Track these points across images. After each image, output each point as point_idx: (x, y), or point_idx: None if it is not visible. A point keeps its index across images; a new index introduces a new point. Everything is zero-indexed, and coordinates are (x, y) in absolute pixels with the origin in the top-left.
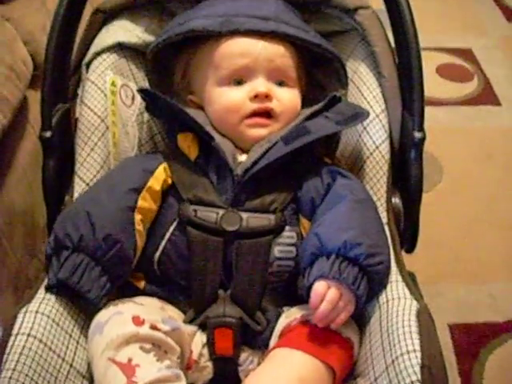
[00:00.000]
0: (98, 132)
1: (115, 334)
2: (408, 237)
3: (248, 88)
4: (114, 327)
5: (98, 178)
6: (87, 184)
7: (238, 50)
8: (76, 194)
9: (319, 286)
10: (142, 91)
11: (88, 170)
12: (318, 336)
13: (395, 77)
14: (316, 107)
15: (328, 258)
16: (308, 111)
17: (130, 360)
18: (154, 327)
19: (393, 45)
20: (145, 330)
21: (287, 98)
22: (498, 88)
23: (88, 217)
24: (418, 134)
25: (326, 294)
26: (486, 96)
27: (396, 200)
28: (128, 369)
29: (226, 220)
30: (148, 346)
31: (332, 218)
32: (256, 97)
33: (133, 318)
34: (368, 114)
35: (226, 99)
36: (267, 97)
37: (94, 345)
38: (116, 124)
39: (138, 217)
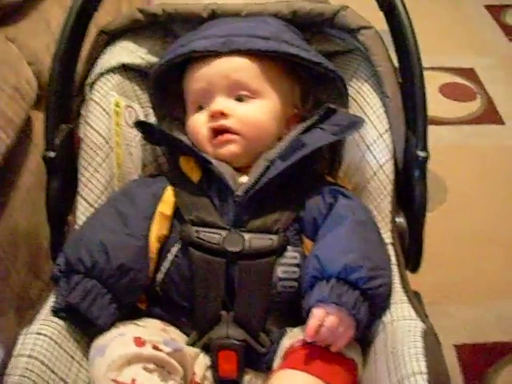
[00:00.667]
0: (102, 153)
1: (117, 355)
2: (412, 256)
3: (207, 111)
4: (115, 348)
5: (102, 200)
6: (91, 205)
7: (195, 76)
8: (79, 214)
9: (317, 312)
10: (137, 124)
11: (92, 190)
12: (322, 357)
13: (399, 96)
14: (311, 120)
15: (328, 281)
16: (303, 125)
17: (133, 380)
18: (156, 348)
19: (396, 64)
20: (147, 350)
21: (245, 112)
22: (500, 107)
23: (102, 245)
24: (421, 153)
25: (324, 320)
26: (489, 115)
27: (400, 219)
28: None
29: (228, 241)
30: (151, 367)
31: (332, 240)
32: (213, 116)
33: (134, 340)
34: (363, 122)
35: (190, 124)
36: (223, 114)
37: (95, 367)
38: (120, 145)
39: (154, 245)
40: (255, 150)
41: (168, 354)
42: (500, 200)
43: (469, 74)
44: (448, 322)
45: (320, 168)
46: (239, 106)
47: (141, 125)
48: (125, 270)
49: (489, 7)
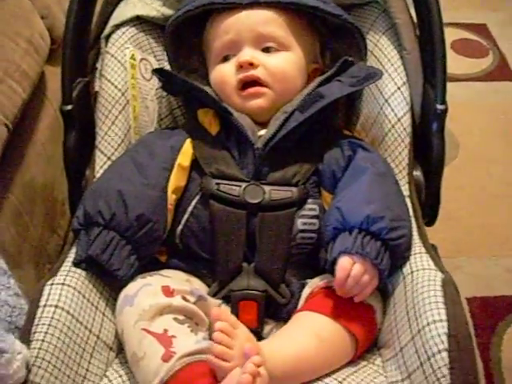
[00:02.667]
0: (118, 105)
1: (147, 305)
2: (429, 210)
3: (234, 60)
4: (145, 298)
5: (119, 152)
6: (108, 158)
7: (222, 27)
8: (97, 168)
9: (344, 261)
10: (156, 71)
11: (109, 143)
12: (340, 302)
13: (417, 49)
14: (328, 73)
15: (350, 232)
16: (321, 78)
17: (165, 331)
18: (184, 298)
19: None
20: (177, 300)
21: (274, 63)
22: None
23: (120, 195)
24: (440, 106)
25: (351, 269)
26: (502, 71)
27: (417, 173)
28: (164, 339)
29: (248, 193)
30: (181, 318)
31: (353, 191)
32: (241, 67)
33: (162, 289)
34: (382, 74)
35: (217, 75)
36: (252, 65)
37: (124, 317)
38: (136, 98)
39: (171, 196)
40: (281, 104)
41: (195, 303)
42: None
43: (481, 29)
44: (459, 276)
45: (337, 121)
46: (267, 57)
47: (159, 73)
48: (143, 221)
49: None
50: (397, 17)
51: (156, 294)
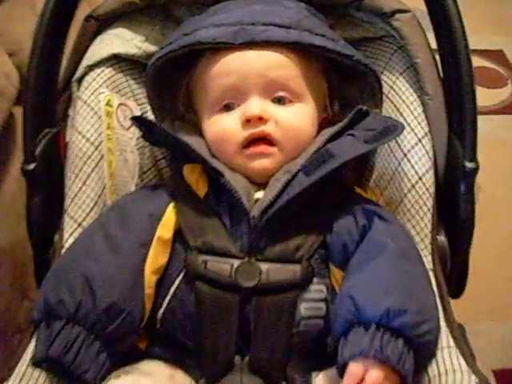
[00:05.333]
0: (91, 162)
1: None
2: (455, 280)
3: (239, 112)
4: None
5: (91, 217)
6: (79, 224)
7: (222, 68)
8: (66, 236)
9: (354, 369)
10: (135, 119)
11: (80, 207)
12: None
13: (440, 94)
14: (340, 125)
15: (366, 328)
16: (331, 131)
17: None
18: None
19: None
20: None
21: (288, 118)
22: None
23: (87, 281)
24: (469, 165)
25: (363, 377)
26: None
27: (441, 238)
28: None
29: (241, 273)
30: None
31: (370, 276)
32: (248, 121)
33: None
34: (403, 128)
35: (216, 129)
36: (261, 119)
37: None
38: (112, 151)
39: (150, 278)
40: (287, 163)
41: None
42: None
43: (498, 56)
44: (483, 343)
45: (347, 176)
46: (279, 110)
47: (139, 121)
48: (115, 311)
49: None
50: (417, 55)
51: None
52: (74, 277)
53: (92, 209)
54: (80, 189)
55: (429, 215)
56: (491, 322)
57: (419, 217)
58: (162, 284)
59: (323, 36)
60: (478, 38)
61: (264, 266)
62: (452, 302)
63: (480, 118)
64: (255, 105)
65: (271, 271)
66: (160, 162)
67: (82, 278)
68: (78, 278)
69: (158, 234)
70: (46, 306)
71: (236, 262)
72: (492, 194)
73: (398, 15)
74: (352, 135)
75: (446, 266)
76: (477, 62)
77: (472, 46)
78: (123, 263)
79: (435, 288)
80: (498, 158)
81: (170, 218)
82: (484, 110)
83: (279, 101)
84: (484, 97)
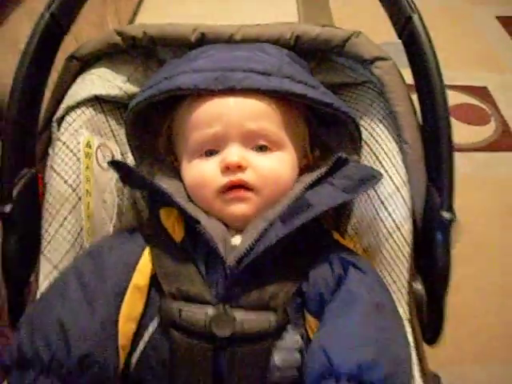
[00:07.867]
0: (68, 204)
1: None
2: (431, 328)
3: (219, 158)
4: None
5: (68, 260)
6: (55, 266)
7: (204, 117)
8: (42, 278)
9: None
10: (112, 164)
11: (56, 249)
12: None
13: (419, 143)
14: (318, 172)
15: (337, 381)
16: (309, 179)
17: None
18: None
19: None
20: None
21: (267, 166)
22: None
23: (63, 331)
24: (446, 215)
25: None
26: (505, 140)
27: (418, 286)
28: None
29: (216, 323)
30: None
31: (343, 328)
32: (228, 168)
33: None
34: (381, 176)
35: (195, 174)
36: (240, 167)
37: None
38: (90, 193)
39: (125, 327)
40: (265, 210)
41: None
42: None
43: (482, 93)
44: None
45: (326, 219)
46: (259, 159)
47: (116, 165)
48: (88, 363)
49: (501, 18)
50: (397, 103)
51: None
52: (50, 326)
53: (68, 251)
54: (56, 231)
55: (406, 264)
56: (479, 366)
57: (395, 265)
58: (137, 329)
59: (304, 83)
60: (461, 73)
61: (239, 315)
62: (441, 344)
63: (463, 156)
64: (235, 152)
65: (245, 321)
66: (139, 203)
67: (58, 327)
68: (53, 328)
69: (133, 281)
70: (20, 353)
71: (210, 310)
72: (477, 233)
73: (378, 63)
74: (331, 184)
75: (423, 314)
76: (460, 98)
77: (456, 81)
78: (97, 314)
79: (411, 338)
80: (480, 196)
81: (145, 263)
82: (467, 147)
83: (260, 148)
84: (467, 134)
